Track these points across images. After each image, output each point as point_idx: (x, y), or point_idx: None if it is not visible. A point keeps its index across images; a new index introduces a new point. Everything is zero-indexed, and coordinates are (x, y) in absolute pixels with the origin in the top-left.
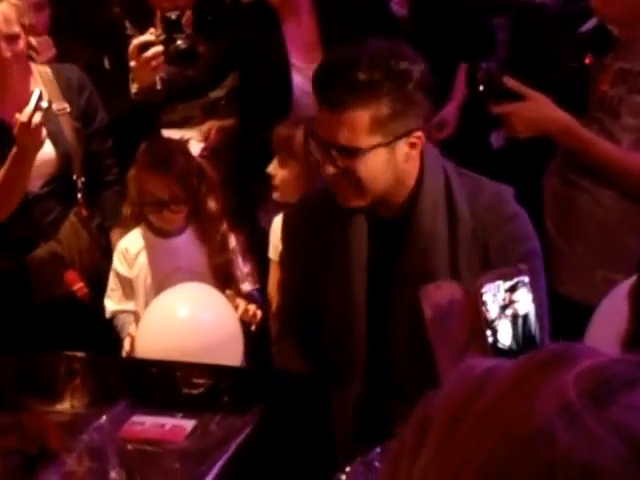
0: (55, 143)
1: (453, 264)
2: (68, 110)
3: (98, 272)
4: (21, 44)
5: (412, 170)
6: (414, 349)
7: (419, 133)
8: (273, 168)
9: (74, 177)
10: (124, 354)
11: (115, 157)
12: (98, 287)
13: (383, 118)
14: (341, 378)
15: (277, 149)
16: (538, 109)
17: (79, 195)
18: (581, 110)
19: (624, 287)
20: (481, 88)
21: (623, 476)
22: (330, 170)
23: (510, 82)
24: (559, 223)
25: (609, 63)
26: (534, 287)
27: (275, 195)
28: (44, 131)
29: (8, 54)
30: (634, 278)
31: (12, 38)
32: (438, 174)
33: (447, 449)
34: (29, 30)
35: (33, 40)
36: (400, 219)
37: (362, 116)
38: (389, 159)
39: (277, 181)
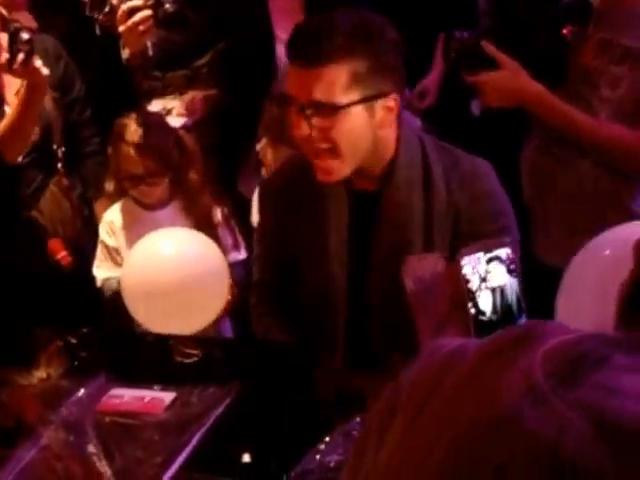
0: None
1: (427, 237)
2: (47, 80)
3: (80, 241)
4: None
5: (390, 139)
6: (392, 320)
7: (395, 96)
8: (262, 146)
9: (54, 147)
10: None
11: (95, 127)
12: (81, 256)
13: (360, 75)
14: (321, 349)
15: (267, 128)
16: (511, 79)
17: (59, 165)
18: (560, 81)
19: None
20: (453, 57)
21: (589, 457)
22: (305, 131)
23: (487, 47)
24: (536, 192)
25: (590, 34)
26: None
27: (264, 172)
28: (38, 62)
29: None
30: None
31: None
32: (415, 146)
33: (413, 432)
34: (8, 5)
35: (3, 11)
36: (377, 191)
37: (340, 71)
38: (367, 121)
39: (267, 159)
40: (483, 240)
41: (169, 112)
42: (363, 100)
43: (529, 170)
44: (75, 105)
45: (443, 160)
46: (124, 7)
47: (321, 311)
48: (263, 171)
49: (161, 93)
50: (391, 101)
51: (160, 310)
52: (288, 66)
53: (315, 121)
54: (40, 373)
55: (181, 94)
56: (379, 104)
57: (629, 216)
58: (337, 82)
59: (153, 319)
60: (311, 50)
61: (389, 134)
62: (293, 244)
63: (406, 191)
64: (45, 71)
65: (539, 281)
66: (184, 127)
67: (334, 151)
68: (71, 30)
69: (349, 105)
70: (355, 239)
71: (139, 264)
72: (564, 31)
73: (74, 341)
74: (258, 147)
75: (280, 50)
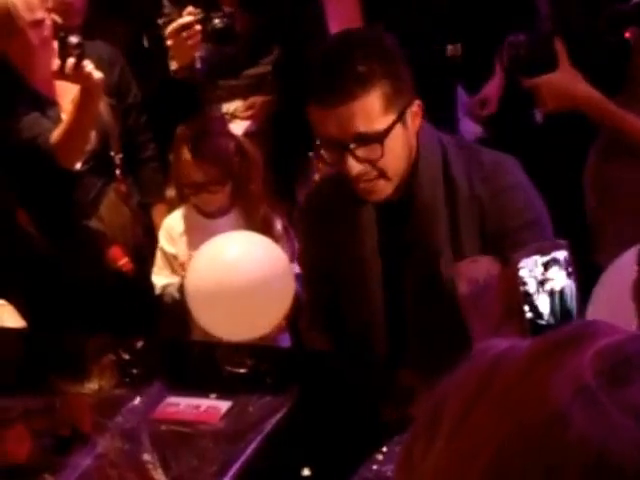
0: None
1: (454, 236)
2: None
3: (140, 248)
4: (46, 29)
5: (414, 144)
6: (429, 322)
7: (417, 100)
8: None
9: (112, 153)
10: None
11: (151, 133)
12: (141, 262)
13: (390, 94)
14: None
15: None
16: (568, 82)
17: (118, 171)
18: (619, 85)
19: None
20: (507, 62)
21: (636, 460)
22: (355, 168)
23: (558, 45)
24: (601, 199)
25: None
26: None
27: (317, 177)
28: (89, 65)
29: (36, 41)
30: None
31: (37, 24)
32: (434, 147)
33: (460, 435)
34: (63, 13)
35: (59, 19)
36: (402, 197)
37: (372, 98)
38: (405, 136)
39: (320, 167)
40: (539, 243)
41: (233, 117)
42: (399, 118)
43: (593, 177)
44: (131, 111)
45: (464, 158)
46: (174, 24)
47: (363, 321)
48: (316, 177)
49: (225, 99)
50: (415, 106)
51: (224, 314)
52: (314, 110)
53: (364, 155)
54: (92, 385)
55: (245, 99)
56: (408, 114)
57: None
58: (374, 109)
59: (216, 323)
60: (340, 87)
61: (415, 140)
62: (333, 263)
63: (429, 192)
64: (98, 75)
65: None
66: (247, 133)
67: (383, 174)
68: (131, 36)
69: (391, 128)
70: (387, 247)
71: (204, 267)
72: (626, 34)
73: (127, 357)
74: (326, 154)
75: None
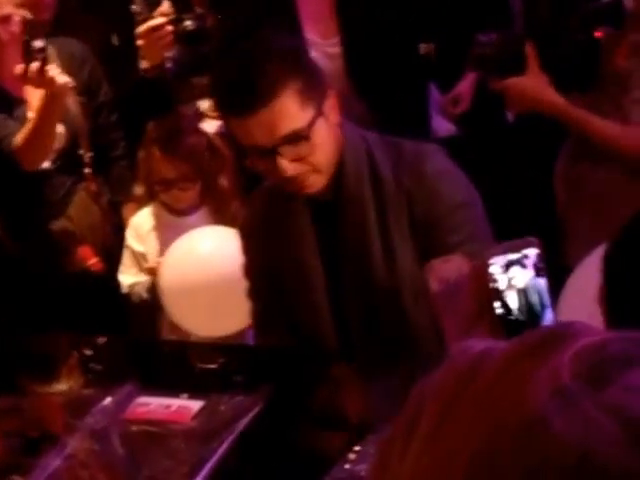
0: (62, 119)
1: (382, 228)
2: (71, 85)
3: (110, 247)
4: (15, 25)
5: (339, 138)
6: (372, 315)
7: (331, 91)
8: None
9: (81, 152)
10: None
11: (122, 131)
12: (110, 262)
13: (304, 90)
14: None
15: None
16: (533, 87)
17: (87, 170)
18: (590, 84)
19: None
20: (475, 61)
21: (620, 460)
22: (289, 169)
23: (529, 49)
24: (569, 198)
25: (624, 36)
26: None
27: None
28: (53, 69)
29: (4, 37)
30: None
31: (4, 20)
32: (358, 143)
33: (439, 436)
34: (33, 7)
35: (29, 15)
36: (331, 193)
37: (288, 99)
38: (327, 127)
39: None
40: (510, 241)
41: (203, 115)
42: (318, 111)
43: (563, 177)
44: (102, 109)
45: (387, 150)
46: (145, 26)
47: (312, 323)
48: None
49: (197, 98)
50: (332, 97)
51: (197, 309)
52: (230, 120)
53: (294, 154)
54: (61, 386)
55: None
56: (326, 106)
57: None
58: (291, 108)
59: (190, 319)
60: (252, 94)
61: (339, 134)
62: (277, 270)
63: (356, 186)
64: (62, 79)
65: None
66: (218, 132)
67: (315, 169)
68: (101, 34)
69: (313, 122)
70: (325, 245)
71: (178, 263)
72: (597, 33)
73: (89, 352)
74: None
75: (312, 55)
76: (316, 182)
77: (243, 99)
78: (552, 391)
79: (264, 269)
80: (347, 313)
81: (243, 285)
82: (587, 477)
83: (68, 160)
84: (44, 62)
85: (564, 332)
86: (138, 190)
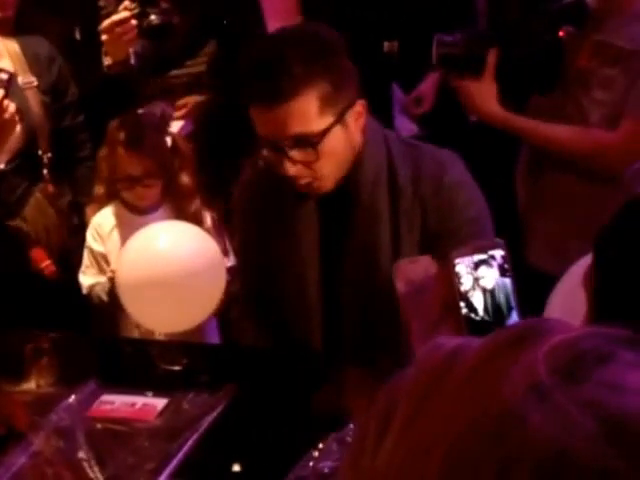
0: (20, 118)
1: (395, 233)
2: (35, 84)
3: (66, 250)
4: None
5: (359, 141)
6: (366, 319)
7: (361, 100)
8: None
9: (40, 153)
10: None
11: (87, 132)
12: (66, 265)
13: (328, 95)
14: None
15: None
16: (477, 96)
17: (45, 171)
18: (553, 84)
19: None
20: (435, 61)
21: (596, 456)
22: (291, 169)
23: (492, 58)
24: (531, 198)
25: (586, 36)
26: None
27: None
28: (11, 106)
29: None
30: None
31: None
32: (379, 145)
33: (413, 432)
34: None
35: None
36: (344, 193)
37: (309, 99)
38: (344, 137)
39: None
40: (476, 241)
41: (169, 116)
42: (337, 119)
43: (524, 176)
44: (68, 110)
45: (408, 155)
46: (109, 20)
47: (298, 315)
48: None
49: (159, 97)
50: (358, 107)
51: (155, 305)
52: (253, 110)
53: (299, 156)
54: (29, 385)
55: (178, 98)
56: (349, 115)
57: None
58: (310, 111)
59: (147, 314)
60: (273, 87)
61: (360, 137)
62: (270, 253)
63: (372, 189)
64: (12, 109)
65: (534, 288)
66: (181, 132)
67: (321, 174)
68: (64, 31)
69: (328, 130)
70: (326, 240)
71: (134, 258)
72: (560, 33)
73: (60, 355)
74: (264, 152)
75: None
76: (320, 187)
77: (265, 91)
78: (527, 386)
79: (255, 251)
80: (340, 310)
81: (200, 281)
82: (563, 472)
83: (25, 161)
84: (6, 95)
85: (538, 328)
86: (98, 190)
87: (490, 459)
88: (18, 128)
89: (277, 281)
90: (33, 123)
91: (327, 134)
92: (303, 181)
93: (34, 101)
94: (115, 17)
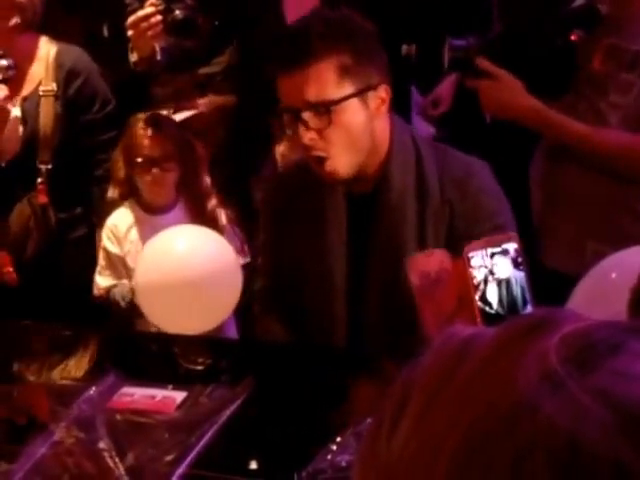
0: (24, 122)
1: (421, 237)
2: (53, 93)
3: (40, 262)
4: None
5: (384, 136)
6: (391, 318)
7: (385, 86)
8: (286, 149)
9: (37, 162)
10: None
11: (107, 153)
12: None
13: (348, 68)
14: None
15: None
16: (504, 91)
17: (39, 180)
18: (566, 88)
19: (608, 261)
20: (447, 66)
21: (607, 445)
22: (305, 136)
23: (482, 63)
24: (547, 198)
25: (599, 40)
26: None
27: None
28: (1, 92)
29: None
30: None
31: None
32: (408, 146)
33: (427, 421)
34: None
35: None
36: (372, 193)
37: (327, 67)
38: (363, 115)
39: (290, 161)
40: (490, 235)
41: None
42: (356, 93)
43: (540, 177)
44: (89, 127)
45: (436, 159)
46: (134, 16)
47: (322, 312)
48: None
49: (171, 98)
50: (382, 91)
51: (173, 309)
52: (278, 77)
53: (314, 123)
54: (51, 377)
55: (188, 99)
56: (371, 96)
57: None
58: (327, 79)
59: (165, 318)
60: (293, 53)
61: (384, 130)
62: (295, 250)
63: (400, 193)
64: (1, 94)
65: (549, 288)
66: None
67: (337, 151)
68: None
69: (343, 99)
70: (353, 241)
71: (153, 262)
72: (572, 37)
73: (66, 339)
74: (280, 149)
75: None
76: (336, 166)
77: (286, 56)
78: (540, 375)
79: (283, 248)
80: (365, 308)
81: (218, 284)
82: (576, 460)
83: (18, 168)
84: (3, 81)
85: (551, 318)
86: (112, 192)
87: (504, 448)
88: (20, 130)
89: (303, 278)
90: (37, 130)
91: (342, 103)
92: (315, 153)
93: (47, 109)
94: (140, 12)
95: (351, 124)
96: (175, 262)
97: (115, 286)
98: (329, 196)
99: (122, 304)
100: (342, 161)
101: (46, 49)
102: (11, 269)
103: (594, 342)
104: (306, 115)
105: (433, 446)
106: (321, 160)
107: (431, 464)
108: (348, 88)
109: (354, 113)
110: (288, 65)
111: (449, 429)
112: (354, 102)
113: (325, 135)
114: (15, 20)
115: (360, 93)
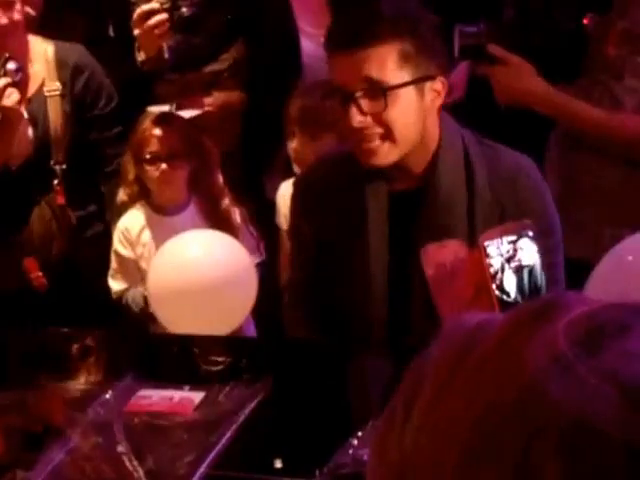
0: (34, 124)
1: (470, 235)
2: (59, 92)
3: (65, 263)
4: (17, 13)
5: (434, 131)
6: (434, 320)
7: (442, 79)
8: (299, 144)
9: (52, 163)
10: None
11: (118, 148)
12: (63, 278)
13: (409, 55)
14: (360, 348)
15: (300, 123)
16: (517, 77)
17: (56, 182)
18: (576, 71)
19: (625, 245)
20: (457, 53)
21: (618, 424)
22: (356, 118)
23: (494, 49)
24: (562, 185)
25: (612, 23)
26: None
27: (297, 169)
28: (14, 95)
29: (4, 20)
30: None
31: (7, 5)
32: (456, 143)
33: (439, 407)
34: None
35: (32, 11)
36: (417, 190)
37: (390, 50)
38: (418, 104)
39: (303, 155)
40: (504, 224)
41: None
42: (414, 81)
43: (555, 163)
44: (96, 123)
45: (484, 156)
46: (139, 10)
47: (361, 311)
48: (296, 169)
49: (177, 96)
50: (439, 84)
51: (188, 314)
52: (330, 58)
53: (367, 105)
54: (69, 382)
55: (195, 96)
56: (428, 87)
57: None
58: (388, 61)
59: (180, 323)
60: (358, 32)
61: (434, 125)
62: (330, 244)
63: (449, 192)
64: (15, 98)
65: (566, 275)
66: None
67: (387, 135)
68: (92, 30)
69: (401, 86)
70: (395, 239)
71: (166, 267)
72: (584, 21)
73: (85, 343)
74: (292, 145)
75: (305, 44)
76: (387, 153)
77: (350, 34)
78: (549, 357)
79: (314, 240)
80: (409, 311)
81: (233, 289)
82: (586, 440)
83: (33, 170)
84: (14, 84)
85: (559, 301)
86: (122, 195)
87: (515, 430)
88: (30, 133)
89: (338, 273)
90: (48, 131)
91: (399, 89)
92: (368, 140)
93: (55, 109)
94: (144, 7)
95: (404, 112)
96: (187, 270)
97: (127, 290)
98: (370, 192)
99: (135, 310)
100: (387, 148)
101: (41, 48)
102: (40, 274)
103: (602, 324)
104: (360, 97)
105: (446, 433)
106: (366, 144)
107: (444, 452)
108: (406, 75)
109: (409, 101)
110: (351, 43)
111: (461, 416)
112: (410, 90)
113: (376, 120)
114: (17, 17)
115: (418, 82)
